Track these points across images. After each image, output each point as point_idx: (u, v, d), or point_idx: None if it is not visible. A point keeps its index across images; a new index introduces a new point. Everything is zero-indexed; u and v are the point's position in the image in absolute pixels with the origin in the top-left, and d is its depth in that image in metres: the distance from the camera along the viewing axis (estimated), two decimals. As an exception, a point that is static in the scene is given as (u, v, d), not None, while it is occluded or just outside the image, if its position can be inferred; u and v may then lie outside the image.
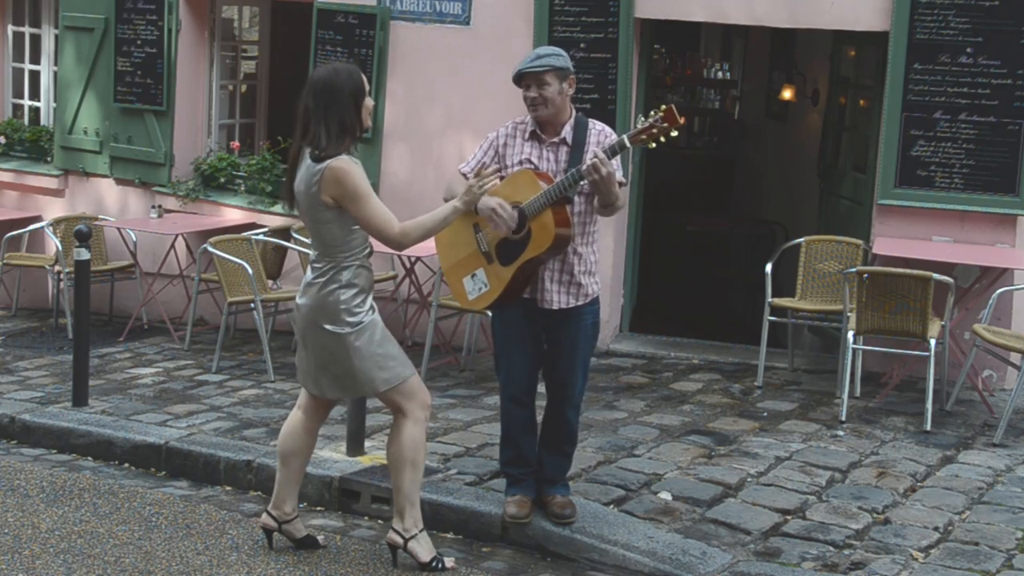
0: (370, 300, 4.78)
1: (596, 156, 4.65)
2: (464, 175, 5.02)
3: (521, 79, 4.87)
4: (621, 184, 4.87)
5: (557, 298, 4.96)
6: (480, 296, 5.00)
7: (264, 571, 4.83)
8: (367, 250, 4.78)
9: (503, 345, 5.12)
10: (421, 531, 4.87)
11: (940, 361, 6.88)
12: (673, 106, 4.68)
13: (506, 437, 5.20)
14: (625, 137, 4.73)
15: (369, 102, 4.70)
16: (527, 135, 4.99)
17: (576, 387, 5.14)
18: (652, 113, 4.69)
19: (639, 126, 4.71)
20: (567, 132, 4.94)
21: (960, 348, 7.38)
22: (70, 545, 5.08)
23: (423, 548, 4.84)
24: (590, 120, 5.00)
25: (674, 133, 4.67)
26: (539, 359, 5.10)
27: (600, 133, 4.95)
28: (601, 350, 8.00)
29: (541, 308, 4.96)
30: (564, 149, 4.93)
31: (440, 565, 4.83)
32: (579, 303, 4.99)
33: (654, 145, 4.73)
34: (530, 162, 4.94)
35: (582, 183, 4.79)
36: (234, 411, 6.98)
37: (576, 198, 4.90)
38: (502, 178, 4.98)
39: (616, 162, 4.85)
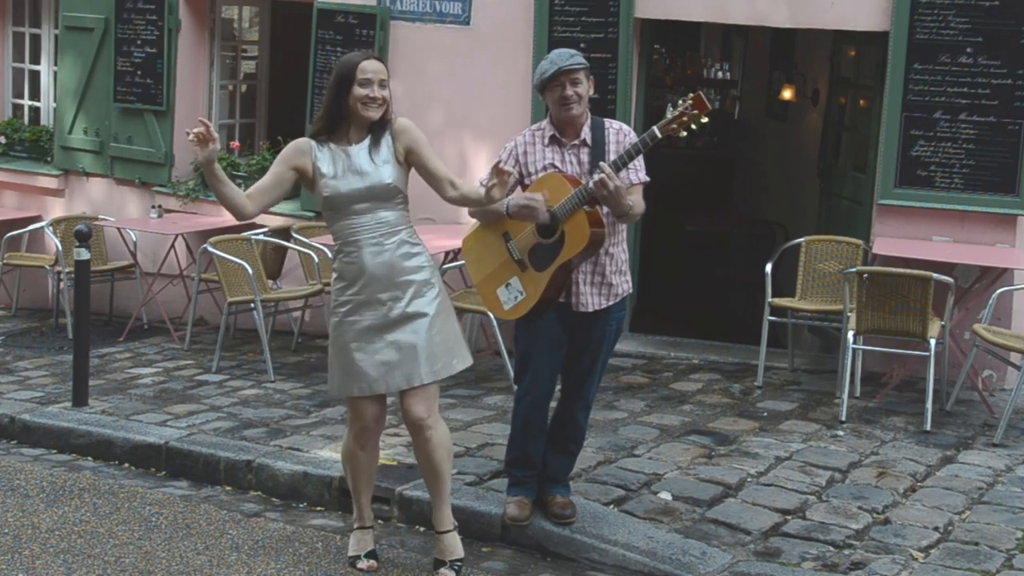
0: (349, 296, 4.65)
1: (602, 171, 4.62)
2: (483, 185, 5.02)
3: (555, 78, 4.82)
4: (644, 183, 4.89)
5: (590, 300, 4.93)
6: (516, 305, 4.93)
7: (264, 571, 4.83)
8: (350, 238, 4.64)
9: (532, 351, 5.02)
10: (356, 528, 4.95)
11: (940, 361, 6.88)
12: (701, 93, 4.67)
13: (515, 439, 5.17)
14: (656, 128, 4.67)
15: (358, 91, 4.58)
16: (547, 140, 4.95)
17: (592, 388, 5.13)
18: (681, 101, 4.66)
19: (669, 115, 4.67)
20: (586, 133, 4.92)
21: (960, 348, 7.38)
22: (70, 545, 5.08)
23: (351, 543, 4.95)
24: (605, 120, 5.00)
25: (704, 120, 4.65)
26: (561, 364, 5.07)
27: (619, 132, 4.92)
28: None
29: (574, 311, 4.94)
30: (585, 151, 4.91)
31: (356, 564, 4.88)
32: (610, 303, 4.98)
33: (684, 134, 4.70)
34: (554, 166, 4.91)
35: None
36: (234, 411, 6.98)
37: None
38: (525, 186, 4.95)
39: (638, 161, 4.86)
